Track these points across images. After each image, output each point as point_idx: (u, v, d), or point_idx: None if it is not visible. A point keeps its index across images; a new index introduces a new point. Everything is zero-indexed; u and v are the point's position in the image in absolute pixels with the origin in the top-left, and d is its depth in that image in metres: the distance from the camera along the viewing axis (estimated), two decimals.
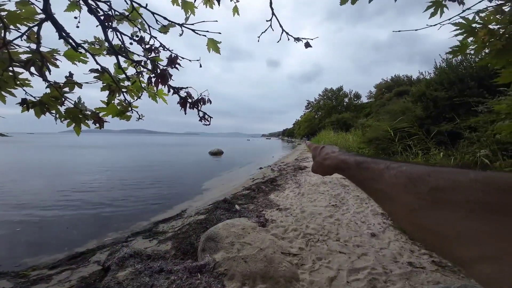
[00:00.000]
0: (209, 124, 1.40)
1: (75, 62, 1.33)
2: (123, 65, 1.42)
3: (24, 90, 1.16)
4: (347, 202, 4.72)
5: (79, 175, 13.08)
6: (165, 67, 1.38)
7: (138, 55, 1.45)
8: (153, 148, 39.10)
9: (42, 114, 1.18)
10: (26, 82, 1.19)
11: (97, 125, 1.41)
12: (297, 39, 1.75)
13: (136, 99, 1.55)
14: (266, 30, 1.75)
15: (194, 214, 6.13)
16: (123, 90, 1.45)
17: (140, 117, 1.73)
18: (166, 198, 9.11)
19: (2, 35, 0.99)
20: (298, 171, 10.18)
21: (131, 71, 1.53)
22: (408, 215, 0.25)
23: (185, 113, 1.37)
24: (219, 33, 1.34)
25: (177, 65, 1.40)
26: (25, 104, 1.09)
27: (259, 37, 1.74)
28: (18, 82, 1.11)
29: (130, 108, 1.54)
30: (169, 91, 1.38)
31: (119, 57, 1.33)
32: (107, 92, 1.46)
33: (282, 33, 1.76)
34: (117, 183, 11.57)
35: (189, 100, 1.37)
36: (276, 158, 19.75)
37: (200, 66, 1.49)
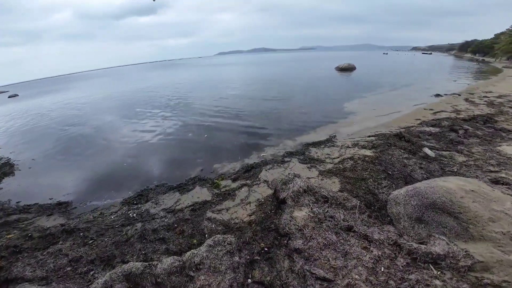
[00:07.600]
0: None
1: None
2: None
3: None
4: None
5: (227, 89, 16.38)
6: None
7: None
8: (276, 64, 44.34)
9: None
10: None
11: None
12: None
13: None
14: None
15: (352, 145, 5.05)
16: None
17: None
18: (304, 115, 8.57)
19: None
20: None
21: None
22: None
23: None
24: None
25: None
26: None
27: None
28: None
29: None
30: None
31: None
32: None
33: None
34: (253, 98, 12.76)
35: None
36: (464, 84, 13.20)
37: None
